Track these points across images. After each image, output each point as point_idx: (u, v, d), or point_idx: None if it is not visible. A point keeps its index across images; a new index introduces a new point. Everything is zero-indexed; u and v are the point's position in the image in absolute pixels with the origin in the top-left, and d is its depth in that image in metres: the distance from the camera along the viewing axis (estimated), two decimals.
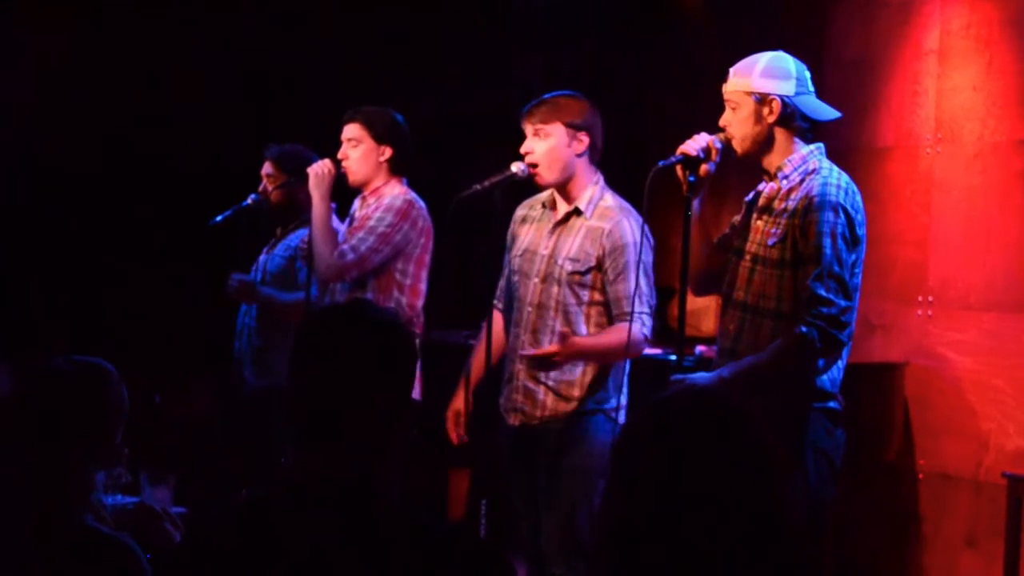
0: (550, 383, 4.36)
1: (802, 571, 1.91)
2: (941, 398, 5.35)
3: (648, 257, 4.31)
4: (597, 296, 4.35)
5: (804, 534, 1.93)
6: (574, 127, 4.37)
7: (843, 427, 3.86)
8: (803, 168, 3.84)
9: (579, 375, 4.35)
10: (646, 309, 4.28)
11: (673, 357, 3.99)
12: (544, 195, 4.50)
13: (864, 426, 4.04)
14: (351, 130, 4.99)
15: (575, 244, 4.36)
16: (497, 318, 4.55)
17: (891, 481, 5.46)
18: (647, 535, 1.88)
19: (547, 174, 4.37)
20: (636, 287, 4.20)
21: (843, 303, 3.72)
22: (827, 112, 3.93)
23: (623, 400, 4.40)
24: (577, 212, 4.39)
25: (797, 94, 3.86)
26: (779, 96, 3.83)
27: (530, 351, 4.28)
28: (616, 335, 4.25)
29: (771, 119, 3.84)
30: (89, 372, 2.82)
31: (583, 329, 4.34)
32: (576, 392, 4.35)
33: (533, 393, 4.38)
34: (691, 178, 3.86)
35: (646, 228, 4.26)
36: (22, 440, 2.72)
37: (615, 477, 1.93)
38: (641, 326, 4.26)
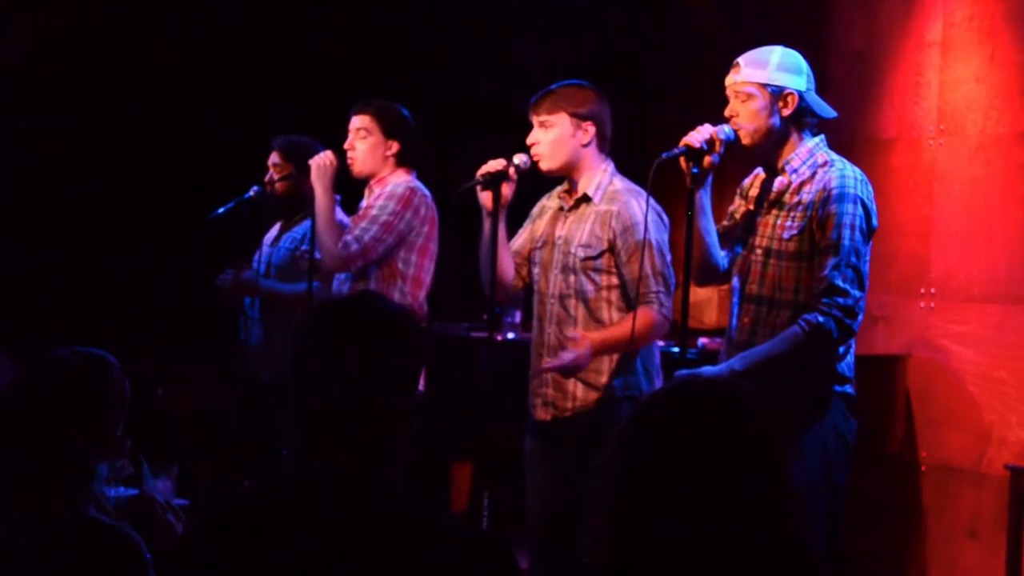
0: (579, 374, 4.34)
1: (805, 563, 1.90)
2: (943, 390, 5.34)
3: (661, 235, 4.28)
4: (614, 280, 4.32)
5: (807, 526, 1.93)
6: (579, 117, 4.35)
7: (856, 415, 3.90)
8: (811, 161, 3.87)
9: (607, 362, 4.33)
10: (662, 288, 4.25)
11: (676, 350, 3.99)
12: (562, 186, 4.49)
13: (866, 418, 4.05)
14: (361, 121, 4.99)
15: (585, 230, 4.34)
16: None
17: (893, 473, 5.46)
18: (650, 526, 1.87)
19: (547, 162, 4.36)
20: (642, 266, 4.19)
21: (858, 293, 3.78)
22: (830, 110, 3.96)
23: (654, 385, 4.37)
24: (586, 199, 4.38)
25: (808, 89, 3.90)
26: (795, 91, 3.85)
27: (548, 364, 4.25)
28: (631, 322, 4.21)
29: (786, 113, 3.87)
30: (91, 363, 2.82)
31: (605, 315, 4.33)
32: (604, 379, 4.33)
33: (563, 385, 4.36)
34: (695, 170, 3.86)
35: (658, 207, 4.25)
36: (24, 430, 2.72)
37: (619, 468, 1.93)
38: (659, 307, 4.24)
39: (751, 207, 4.03)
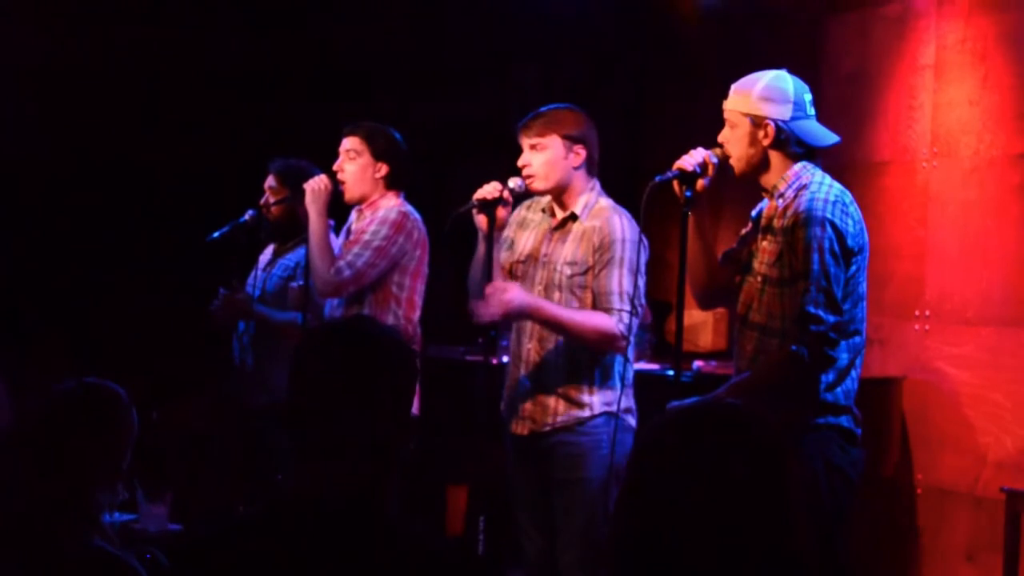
0: (559, 389, 4.34)
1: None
2: (939, 412, 5.35)
3: (636, 255, 4.24)
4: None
5: (814, 550, 1.92)
6: (571, 139, 4.37)
7: (859, 444, 3.80)
8: (796, 184, 3.82)
9: (587, 379, 4.33)
10: (625, 307, 4.24)
11: (671, 373, 3.97)
12: (544, 201, 4.50)
13: (862, 441, 4.02)
14: (351, 142, 4.99)
15: (571, 248, 4.36)
16: None
17: (890, 495, 5.46)
18: (662, 548, 1.87)
19: (541, 183, 4.38)
20: (610, 281, 4.22)
21: (832, 319, 3.69)
22: (825, 137, 3.88)
23: (631, 402, 4.38)
24: (573, 218, 4.40)
25: (794, 118, 3.81)
26: (773, 121, 3.80)
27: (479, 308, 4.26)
28: (584, 316, 4.24)
29: (766, 143, 3.82)
30: (101, 395, 2.82)
31: None
32: (585, 397, 4.33)
33: (543, 400, 4.36)
34: (688, 193, 3.85)
35: (638, 230, 4.24)
36: (34, 462, 2.72)
37: (631, 489, 1.92)
38: (617, 320, 4.23)
39: (753, 233, 4.00)
